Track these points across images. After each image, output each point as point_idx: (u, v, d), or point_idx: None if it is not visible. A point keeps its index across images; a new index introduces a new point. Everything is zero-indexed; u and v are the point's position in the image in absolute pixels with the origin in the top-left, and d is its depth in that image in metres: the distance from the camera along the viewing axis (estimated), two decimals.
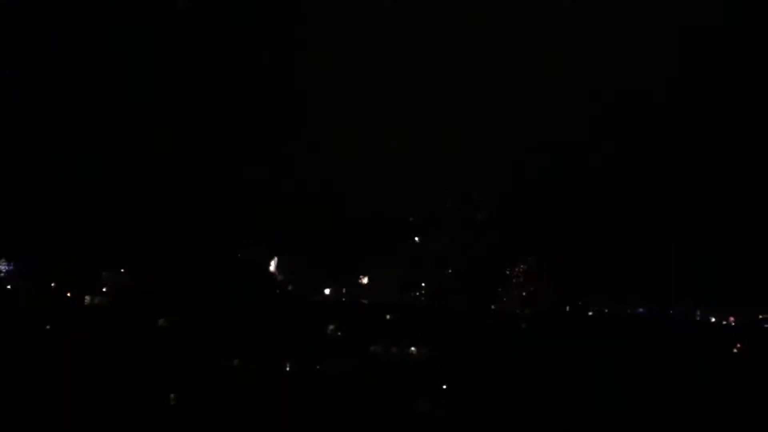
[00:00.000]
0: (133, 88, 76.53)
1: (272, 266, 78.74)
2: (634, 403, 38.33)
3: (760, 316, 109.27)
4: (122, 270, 67.13)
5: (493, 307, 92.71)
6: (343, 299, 79.36)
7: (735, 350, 68.56)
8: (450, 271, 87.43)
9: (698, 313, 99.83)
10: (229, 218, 73.95)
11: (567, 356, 52.00)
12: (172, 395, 38.35)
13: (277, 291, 70.23)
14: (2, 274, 64.87)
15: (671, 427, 34.74)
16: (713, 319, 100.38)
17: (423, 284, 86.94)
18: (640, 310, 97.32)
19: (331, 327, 57.65)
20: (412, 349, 53.00)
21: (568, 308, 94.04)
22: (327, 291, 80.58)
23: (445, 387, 44.24)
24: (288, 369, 46.81)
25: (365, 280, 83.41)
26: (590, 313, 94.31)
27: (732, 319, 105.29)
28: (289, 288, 73.60)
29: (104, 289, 65.57)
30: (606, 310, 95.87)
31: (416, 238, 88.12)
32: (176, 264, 66.33)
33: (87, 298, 62.36)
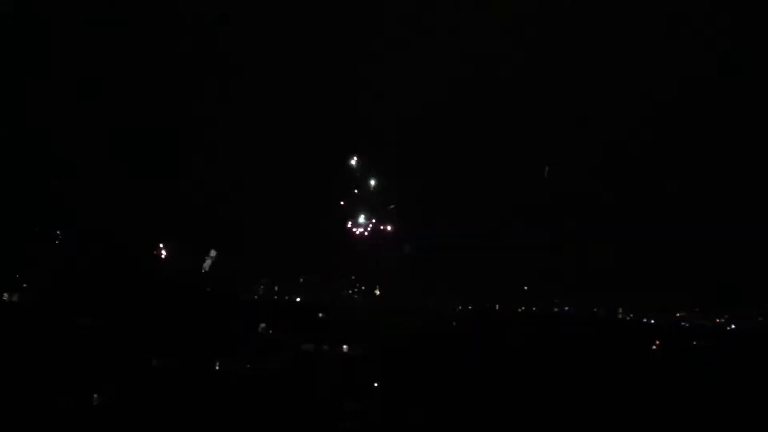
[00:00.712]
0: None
1: (205, 264, 77.49)
2: (559, 399, 39.49)
3: (677, 314, 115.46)
4: (44, 266, 64.80)
5: (429, 304, 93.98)
6: (275, 297, 79.02)
7: (654, 347, 72.18)
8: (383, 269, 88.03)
9: (620, 311, 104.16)
10: (159, 216, 72.45)
11: (498, 354, 53.39)
12: (95, 395, 37.28)
13: (208, 289, 69.18)
14: None
15: (594, 424, 35.89)
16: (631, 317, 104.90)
17: (357, 284, 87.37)
18: (566, 308, 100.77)
19: (263, 325, 57.23)
20: (345, 347, 53.15)
21: (497, 306, 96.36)
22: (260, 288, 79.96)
23: (376, 385, 44.50)
24: (217, 368, 46.12)
25: (301, 279, 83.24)
26: (519, 310, 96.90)
27: (650, 316, 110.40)
28: (220, 286, 72.62)
29: (24, 285, 63.09)
30: (534, 308, 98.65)
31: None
32: (101, 259, 64.50)
33: (5, 295, 59.94)
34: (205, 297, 64.55)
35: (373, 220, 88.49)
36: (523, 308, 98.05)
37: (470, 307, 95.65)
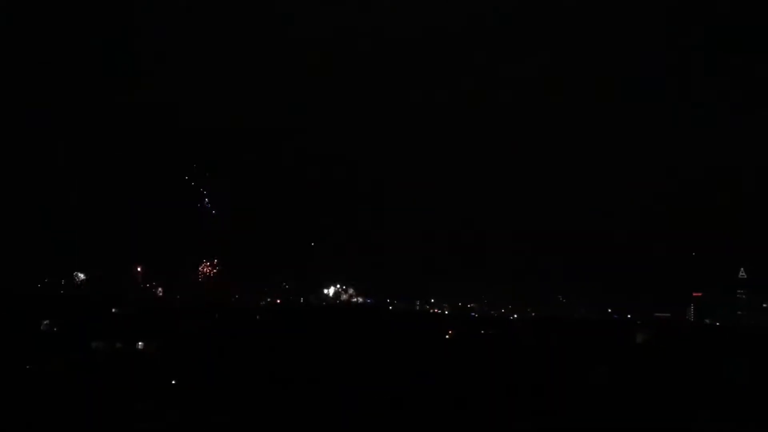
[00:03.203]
0: None
1: None
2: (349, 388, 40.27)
3: (469, 306, 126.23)
4: None
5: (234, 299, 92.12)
6: (62, 291, 72.84)
7: (447, 336, 77.59)
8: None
9: (417, 303, 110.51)
10: None
11: (300, 347, 53.67)
12: None
13: None
14: None
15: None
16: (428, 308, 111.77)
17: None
18: (368, 301, 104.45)
19: (46, 322, 52.34)
20: (140, 344, 50.14)
21: (291, 298, 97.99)
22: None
23: (174, 383, 42.64)
24: None
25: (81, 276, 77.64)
26: (324, 305, 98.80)
27: (446, 307, 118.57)
28: None
29: None
30: (338, 302, 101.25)
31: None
32: None
33: None
34: None
35: None
36: (324, 303, 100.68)
37: (278, 301, 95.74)
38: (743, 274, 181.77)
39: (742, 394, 40.30)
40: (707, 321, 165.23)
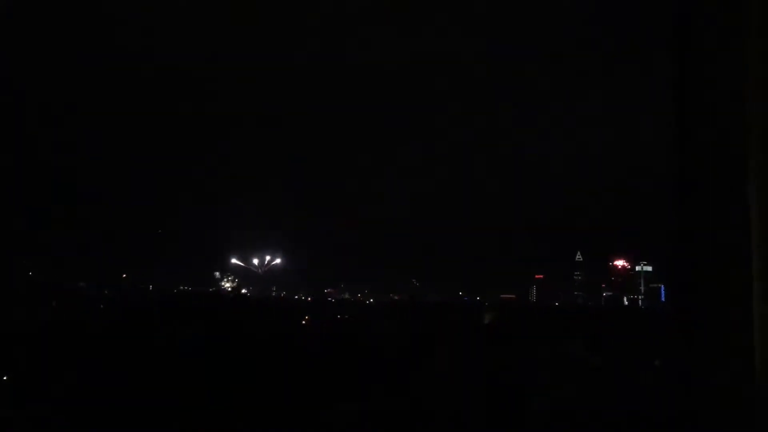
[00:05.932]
0: None
1: None
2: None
3: (326, 291, 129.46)
4: None
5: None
6: None
7: (303, 322, 78.96)
8: None
9: (274, 289, 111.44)
10: None
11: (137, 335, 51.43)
12: None
13: None
14: None
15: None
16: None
17: None
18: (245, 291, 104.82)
19: None
20: None
21: (144, 286, 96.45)
22: None
23: (5, 378, 39.55)
24: None
25: None
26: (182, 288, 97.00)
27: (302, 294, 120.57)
28: None
29: None
30: (198, 288, 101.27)
31: None
32: None
33: None
34: None
35: None
36: (188, 289, 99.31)
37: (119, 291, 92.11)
38: (580, 257, 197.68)
39: (575, 366, 43.89)
40: (548, 301, 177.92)
